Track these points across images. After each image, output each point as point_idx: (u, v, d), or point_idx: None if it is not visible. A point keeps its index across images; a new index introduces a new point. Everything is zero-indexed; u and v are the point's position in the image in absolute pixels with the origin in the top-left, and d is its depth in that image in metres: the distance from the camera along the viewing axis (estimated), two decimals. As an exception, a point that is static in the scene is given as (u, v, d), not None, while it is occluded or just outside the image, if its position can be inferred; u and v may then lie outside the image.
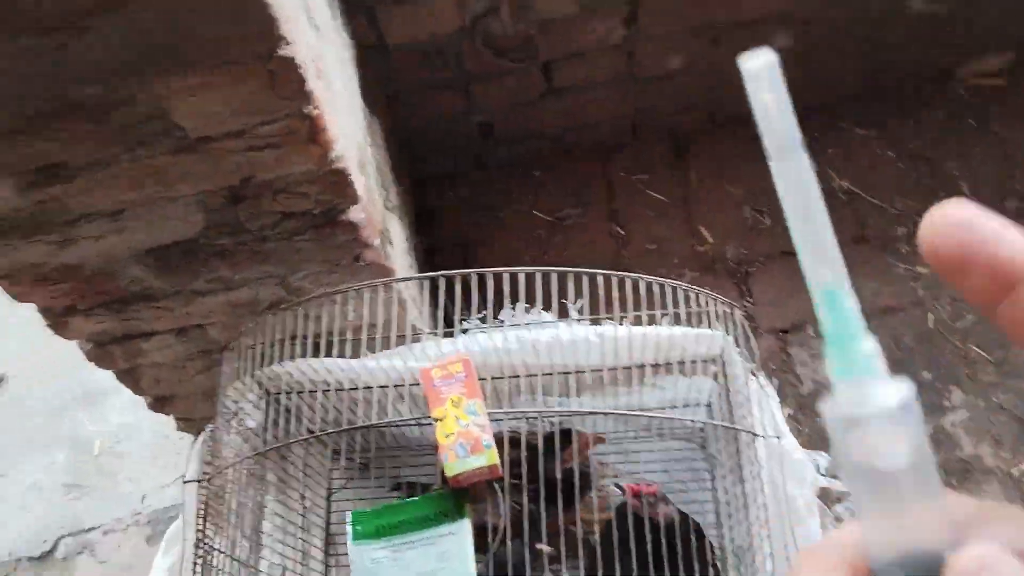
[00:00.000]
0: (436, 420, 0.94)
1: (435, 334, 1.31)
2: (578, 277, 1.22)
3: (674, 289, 1.15)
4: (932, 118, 1.88)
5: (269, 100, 0.99)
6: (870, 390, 0.23)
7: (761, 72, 0.24)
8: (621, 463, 1.52)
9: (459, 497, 0.95)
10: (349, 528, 0.96)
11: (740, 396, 1.24)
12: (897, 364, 1.69)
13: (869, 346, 0.24)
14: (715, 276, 1.75)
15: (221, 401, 1.22)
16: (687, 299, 1.21)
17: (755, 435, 1.12)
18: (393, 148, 1.66)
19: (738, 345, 1.24)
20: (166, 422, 1.77)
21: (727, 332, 1.22)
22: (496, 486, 1.04)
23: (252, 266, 1.27)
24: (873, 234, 1.78)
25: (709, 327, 1.30)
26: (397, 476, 1.49)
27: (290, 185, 1.12)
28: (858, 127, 1.87)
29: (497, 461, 0.92)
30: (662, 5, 1.61)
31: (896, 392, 0.23)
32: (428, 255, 1.85)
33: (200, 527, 1.12)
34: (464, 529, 0.93)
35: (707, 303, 1.18)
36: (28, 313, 2.00)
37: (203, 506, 1.14)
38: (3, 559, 1.69)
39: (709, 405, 1.45)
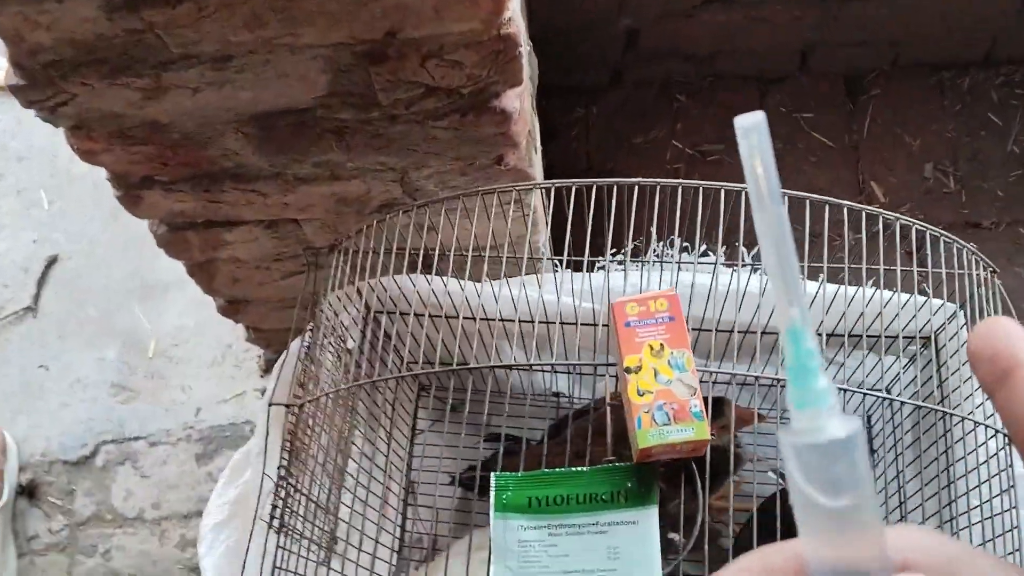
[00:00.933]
0: (628, 371, 0.70)
1: (566, 263, 1.08)
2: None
3: (918, 234, 0.89)
4: None
5: (444, -79, 0.74)
6: (822, 422, 0.25)
7: (752, 130, 0.25)
8: (758, 445, 1.30)
9: (646, 476, 0.71)
10: (492, 495, 0.73)
11: (959, 380, 0.99)
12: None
13: (824, 383, 0.25)
14: (882, 241, 1.49)
15: (320, 311, 1.00)
16: (930, 250, 0.95)
17: (996, 431, 0.86)
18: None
19: (968, 320, 0.99)
20: (232, 329, 1.56)
21: (962, 304, 0.97)
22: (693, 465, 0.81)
23: (370, 153, 1.04)
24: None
25: (918, 294, 1.05)
26: (491, 424, 1.27)
27: (445, 48, 0.88)
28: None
29: (707, 436, 0.68)
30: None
31: (844, 427, 0.24)
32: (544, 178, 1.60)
33: (284, 462, 0.91)
34: (650, 520, 0.70)
35: (960, 259, 0.91)
36: (87, 191, 1.80)
37: (289, 437, 0.93)
38: (35, 459, 1.50)
39: (888, 390, 1.20)
